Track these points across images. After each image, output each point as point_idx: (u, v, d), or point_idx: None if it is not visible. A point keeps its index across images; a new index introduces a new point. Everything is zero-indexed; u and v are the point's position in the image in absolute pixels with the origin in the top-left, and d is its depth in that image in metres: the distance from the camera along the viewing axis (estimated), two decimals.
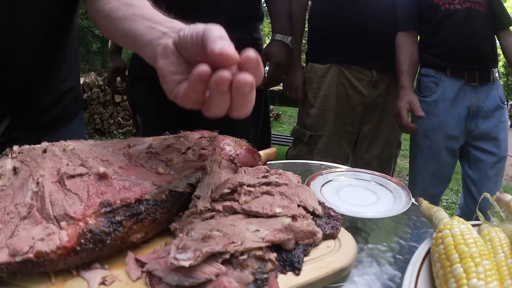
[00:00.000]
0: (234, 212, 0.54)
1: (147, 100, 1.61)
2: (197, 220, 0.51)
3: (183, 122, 1.59)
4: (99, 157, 0.58)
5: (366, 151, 1.98)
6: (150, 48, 0.58)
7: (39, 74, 0.98)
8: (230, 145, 0.67)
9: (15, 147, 0.64)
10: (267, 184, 0.60)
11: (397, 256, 0.65)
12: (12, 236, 0.46)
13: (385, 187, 0.88)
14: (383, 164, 1.99)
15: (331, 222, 0.59)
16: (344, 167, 1.03)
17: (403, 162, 5.16)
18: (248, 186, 0.57)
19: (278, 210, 0.54)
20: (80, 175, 0.53)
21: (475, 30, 1.77)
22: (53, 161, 0.58)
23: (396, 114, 1.79)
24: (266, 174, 0.64)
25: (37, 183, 0.53)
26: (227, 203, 0.54)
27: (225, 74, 0.43)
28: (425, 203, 0.68)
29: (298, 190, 0.61)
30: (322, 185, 0.87)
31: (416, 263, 0.56)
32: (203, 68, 0.44)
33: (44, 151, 0.62)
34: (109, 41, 1.87)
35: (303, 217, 0.55)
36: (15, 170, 0.58)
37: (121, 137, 5.38)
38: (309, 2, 1.94)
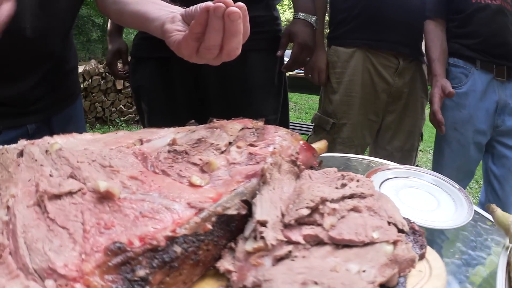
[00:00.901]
0: (318, 242, 0.35)
1: (153, 85, 1.42)
2: (267, 260, 0.32)
3: (194, 109, 1.44)
4: (98, 161, 0.39)
5: (389, 142, 1.84)
6: (159, 21, 0.67)
7: (55, 55, 1.01)
8: (287, 140, 0.45)
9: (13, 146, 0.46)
10: (351, 196, 0.41)
11: (470, 269, 0.60)
12: None
13: (441, 188, 0.76)
14: (404, 156, 1.85)
15: (418, 239, 0.45)
16: (394, 164, 0.89)
17: (419, 155, 5.07)
18: (331, 201, 0.38)
19: (375, 235, 0.39)
20: (70, 193, 0.34)
21: (505, 27, 1.73)
22: (31, 171, 0.40)
23: (429, 101, 1.73)
24: (344, 181, 0.43)
25: (7, 207, 0.36)
26: (309, 231, 0.36)
27: (221, 3, 0.52)
28: (499, 211, 0.62)
29: (382, 201, 0.44)
30: (380, 185, 0.72)
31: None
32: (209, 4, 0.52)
33: (20, 154, 0.44)
34: (109, 22, 1.68)
35: (401, 240, 0.40)
36: None
37: (123, 125, 5.17)
38: None
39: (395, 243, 0.39)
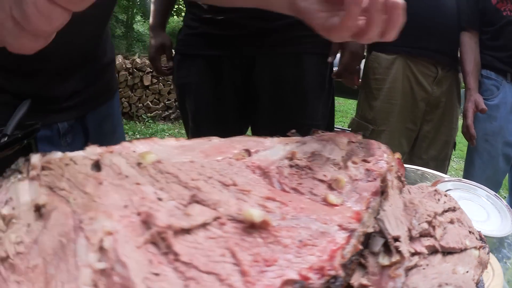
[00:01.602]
0: (432, 251, 0.40)
1: (201, 83, 1.38)
2: (399, 270, 0.34)
3: (241, 110, 1.41)
4: (217, 178, 0.33)
5: (425, 151, 1.82)
6: None
7: (95, 47, 0.98)
8: (389, 155, 0.46)
9: (35, 158, 0.36)
10: (448, 210, 0.47)
11: None
12: None
13: (489, 201, 0.83)
14: (438, 165, 1.83)
15: (485, 245, 0.50)
16: (447, 176, 0.96)
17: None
18: (439, 215, 0.44)
19: (467, 242, 0.45)
20: (203, 225, 0.27)
21: None
22: (122, 192, 0.32)
23: (463, 114, 1.76)
24: (438, 196, 0.47)
25: (100, 249, 0.27)
26: (427, 242, 0.40)
27: None
28: None
29: (463, 213, 0.50)
30: None
31: None
32: None
33: (96, 166, 0.35)
34: (151, 17, 1.60)
35: (483, 246, 0.47)
36: (38, 209, 0.32)
37: (149, 121, 5.17)
38: None
39: (479, 248, 0.45)
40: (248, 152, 0.39)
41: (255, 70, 1.32)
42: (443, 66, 1.73)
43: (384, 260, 0.32)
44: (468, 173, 1.95)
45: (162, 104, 5.40)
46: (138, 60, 5.10)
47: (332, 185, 0.36)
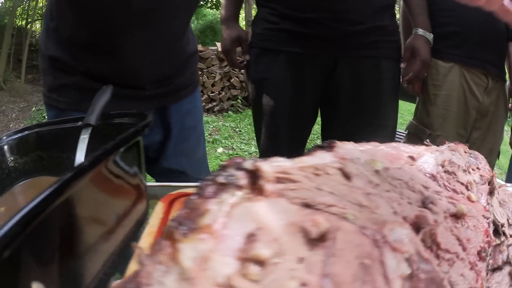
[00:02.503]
0: None
1: (282, 78, 1.38)
2: (504, 247, 0.46)
3: (316, 109, 1.46)
4: (417, 182, 0.37)
5: None
6: None
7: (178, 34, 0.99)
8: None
9: (267, 166, 0.29)
10: None
11: None
12: None
13: None
14: None
15: None
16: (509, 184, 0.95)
17: None
18: None
19: None
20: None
21: None
22: (384, 198, 0.32)
23: None
24: None
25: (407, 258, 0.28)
26: None
27: None
28: None
29: None
30: None
31: None
32: None
33: (344, 174, 0.34)
34: (223, 8, 1.55)
35: None
36: (308, 234, 0.26)
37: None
38: None
39: None
40: (412, 158, 0.46)
41: (336, 71, 1.35)
42: (493, 77, 1.79)
43: (496, 240, 0.44)
44: (511, 180, 2.01)
45: (206, 96, 5.45)
46: None
47: (468, 187, 0.45)
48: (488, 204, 0.46)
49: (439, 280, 0.28)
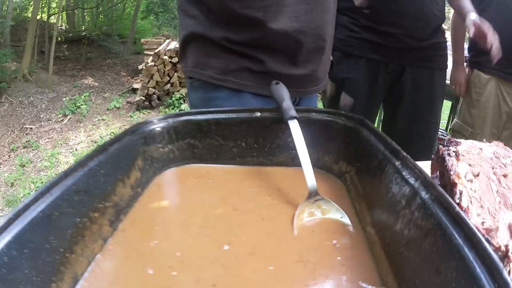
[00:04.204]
0: None
1: (360, 80, 1.66)
2: None
3: (377, 108, 1.81)
4: None
5: None
6: None
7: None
8: None
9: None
10: None
11: None
12: None
13: None
14: None
15: None
16: None
17: None
18: None
19: None
20: None
21: None
22: None
23: None
24: None
25: None
26: None
27: None
28: None
29: None
30: None
31: None
32: None
33: None
34: None
35: None
36: None
37: None
38: None
39: None
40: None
41: (402, 77, 1.67)
42: None
43: None
44: None
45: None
46: None
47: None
48: None
49: None
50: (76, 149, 5.12)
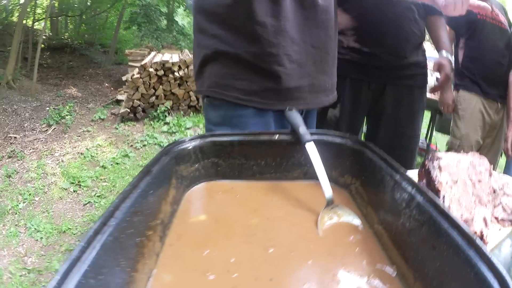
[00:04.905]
0: None
1: (345, 97, 1.74)
2: None
3: (361, 122, 1.88)
4: None
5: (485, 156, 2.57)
6: None
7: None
8: None
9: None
10: None
11: None
12: None
13: None
14: None
15: None
16: None
17: None
18: None
19: None
20: None
21: None
22: None
23: (505, 139, 2.41)
24: None
25: None
26: None
27: None
28: None
29: None
30: None
31: None
32: None
33: None
34: None
35: None
36: None
37: None
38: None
39: None
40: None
41: (384, 94, 1.76)
42: (501, 101, 2.45)
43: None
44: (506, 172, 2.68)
45: None
46: None
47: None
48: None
49: None
50: (62, 161, 5.05)
